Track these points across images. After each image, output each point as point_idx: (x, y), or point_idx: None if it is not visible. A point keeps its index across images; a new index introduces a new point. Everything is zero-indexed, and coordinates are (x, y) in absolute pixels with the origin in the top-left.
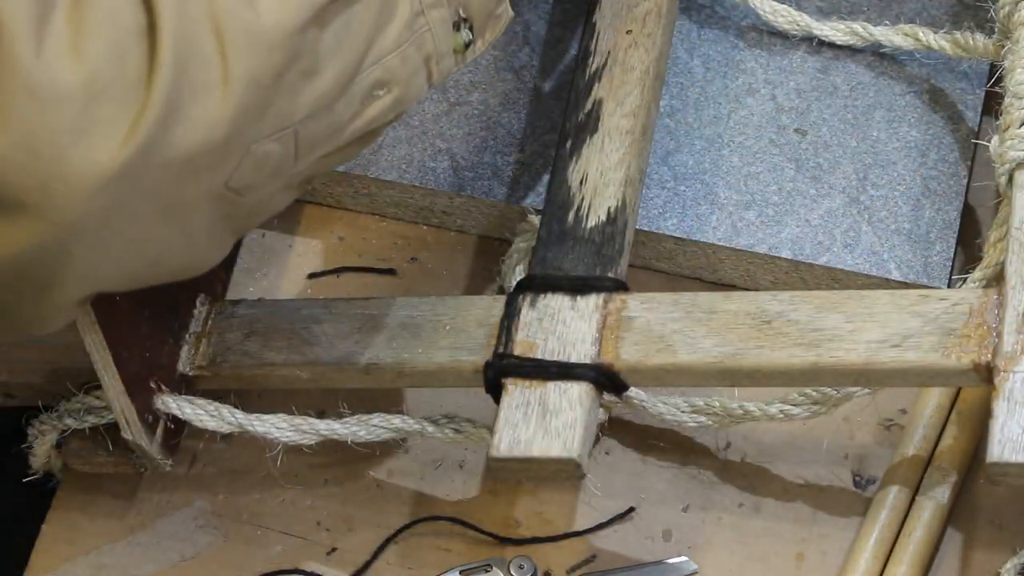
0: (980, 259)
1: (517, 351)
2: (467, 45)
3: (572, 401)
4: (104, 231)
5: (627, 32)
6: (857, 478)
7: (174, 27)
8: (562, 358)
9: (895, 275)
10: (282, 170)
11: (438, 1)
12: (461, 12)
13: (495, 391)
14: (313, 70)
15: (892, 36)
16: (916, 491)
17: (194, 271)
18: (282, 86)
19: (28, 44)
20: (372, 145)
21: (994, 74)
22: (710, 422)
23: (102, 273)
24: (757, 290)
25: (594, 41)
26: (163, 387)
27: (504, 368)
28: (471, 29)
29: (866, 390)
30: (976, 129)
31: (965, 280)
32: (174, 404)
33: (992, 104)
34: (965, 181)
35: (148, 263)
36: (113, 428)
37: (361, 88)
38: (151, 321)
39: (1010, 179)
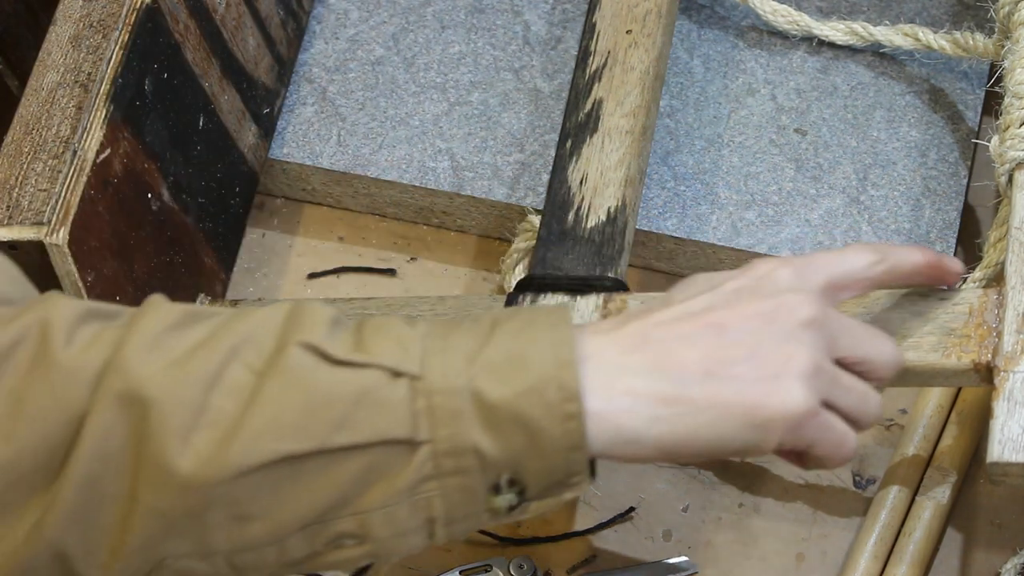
0: (980, 259)
1: None
2: (512, 508)
3: None
4: None
5: (627, 32)
6: (857, 478)
7: (92, 442)
8: None
9: None
10: None
11: (464, 468)
12: (506, 477)
13: None
14: (246, 516)
15: (892, 36)
16: (916, 491)
17: None
18: (199, 522)
19: None
20: (373, 144)
21: (994, 74)
22: None
23: None
24: None
25: (594, 41)
26: None
27: None
28: (522, 493)
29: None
30: (976, 129)
31: (965, 280)
32: None
33: (992, 104)
34: (965, 181)
35: None
36: None
37: (324, 535)
38: None
39: (1010, 179)
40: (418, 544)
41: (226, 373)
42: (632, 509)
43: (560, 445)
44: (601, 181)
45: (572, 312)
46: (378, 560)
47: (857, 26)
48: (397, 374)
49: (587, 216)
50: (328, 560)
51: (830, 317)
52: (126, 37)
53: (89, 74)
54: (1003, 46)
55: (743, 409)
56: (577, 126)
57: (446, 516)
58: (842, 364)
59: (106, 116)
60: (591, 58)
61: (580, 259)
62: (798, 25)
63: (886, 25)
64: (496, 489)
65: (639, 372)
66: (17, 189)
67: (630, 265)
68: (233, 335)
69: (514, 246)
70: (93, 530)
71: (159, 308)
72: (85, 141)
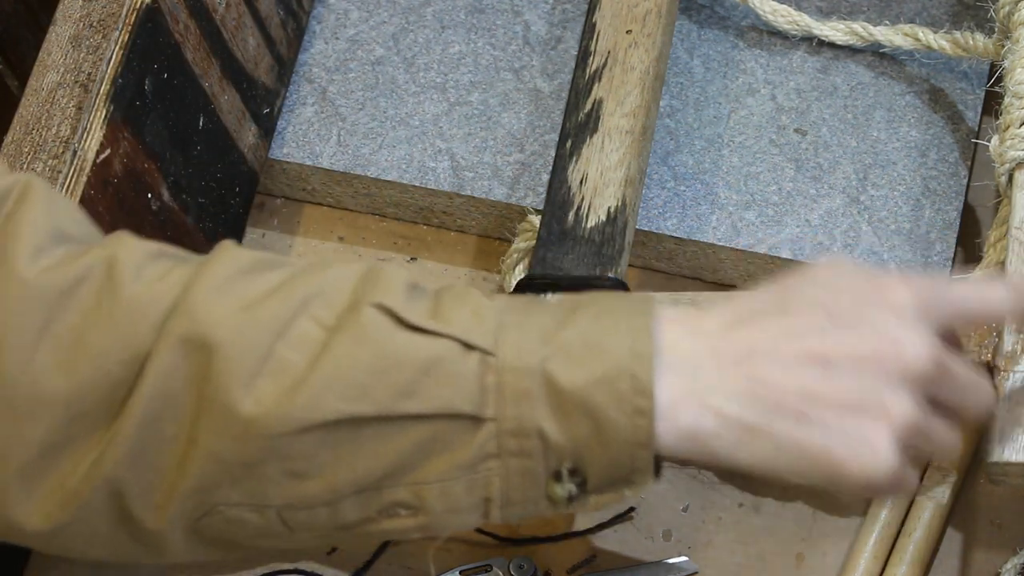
0: (980, 259)
1: None
2: (571, 498)
3: None
4: (61, 543)
5: (627, 32)
6: None
7: (154, 381)
8: None
9: None
10: (272, 535)
11: (527, 450)
12: (568, 465)
13: None
14: (302, 472)
15: (892, 36)
16: (916, 491)
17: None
18: (255, 473)
19: (21, 353)
20: (373, 144)
21: (994, 74)
22: None
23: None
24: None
25: (594, 41)
26: None
27: None
28: (582, 484)
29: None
30: (976, 129)
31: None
32: None
33: (992, 104)
34: (965, 181)
35: (122, 558)
36: None
37: (378, 501)
38: None
39: (1010, 179)
40: (472, 523)
41: (295, 324)
42: (632, 509)
43: (626, 439)
44: (601, 181)
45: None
46: (430, 533)
47: (857, 26)
48: (470, 347)
49: (587, 216)
50: (381, 528)
51: (941, 366)
52: (126, 37)
53: (89, 74)
54: (1003, 46)
55: (826, 461)
56: (577, 126)
57: (503, 497)
58: (935, 401)
59: (106, 116)
60: (591, 58)
61: (580, 259)
62: (798, 25)
63: (886, 25)
64: (557, 476)
65: (734, 395)
66: None
67: (630, 265)
68: (306, 286)
69: (514, 246)
70: (151, 470)
71: (231, 252)
72: (85, 141)
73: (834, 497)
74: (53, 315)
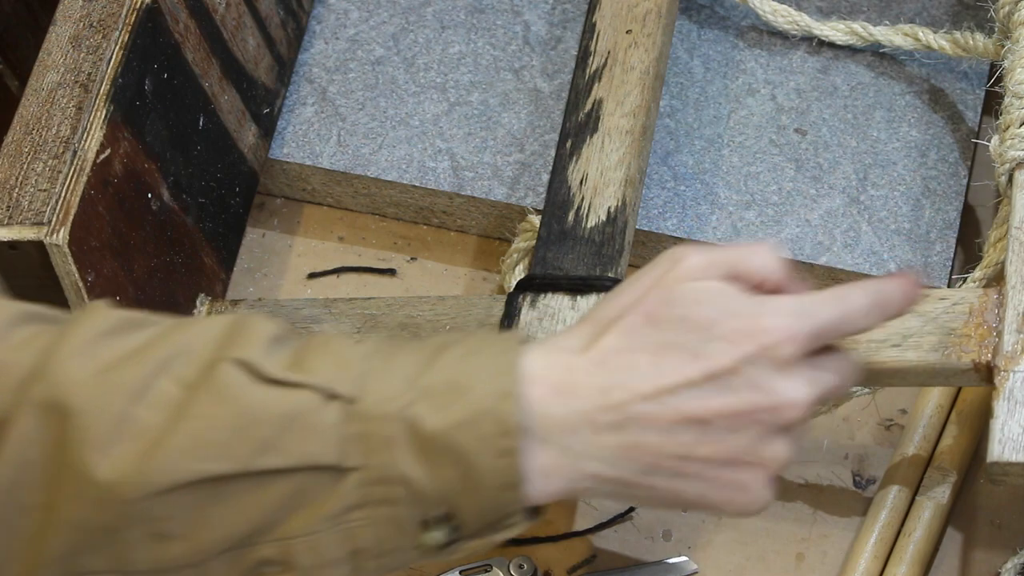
0: (980, 259)
1: None
2: (444, 546)
3: None
4: None
5: (627, 32)
6: (857, 478)
7: (11, 448)
8: None
9: None
10: None
11: (392, 498)
12: (437, 512)
13: None
14: (165, 535)
15: (892, 36)
16: (916, 491)
17: None
18: (117, 538)
19: None
20: (373, 144)
21: (994, 74)
22: None
23: None
24: None
25: (594, 41)
26: None
27: None
28: (456, 530)
29: (866, 390)
30: (976, 129)
31: (965, 280)
32: None
33: (992, 104)
34: (965, 181)
35: None
36: None
37: (246, 560)
38: None
39: (1010, 179)
40: None
41: (154, 385)
42: (632, 509)
43: (493, 482)
44: (601, 181)
45: (572, 310)
46: None
47: (857, 26)
48: (332, 396)
49: (587, 216)
50: None
51: (818, 400)
52: (126, 37)
53: (89, 74)
54: (1003, 46)
55: (703, 506)
56: (577, 126)
57: (373, 548)
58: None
59: (106, 116)
60: (591, 58)
61: (580, 259)
62: (798, 25)
63: (886, 25)
64: (426, 525)
65: (608, 460)
66: (17, 189)
67: (630, 265)
68: (168, 346)
69: (514, 246)
70: (10, 539)
71: (97, 313)
72: (85, 141)
73: (833, 496)
74: None
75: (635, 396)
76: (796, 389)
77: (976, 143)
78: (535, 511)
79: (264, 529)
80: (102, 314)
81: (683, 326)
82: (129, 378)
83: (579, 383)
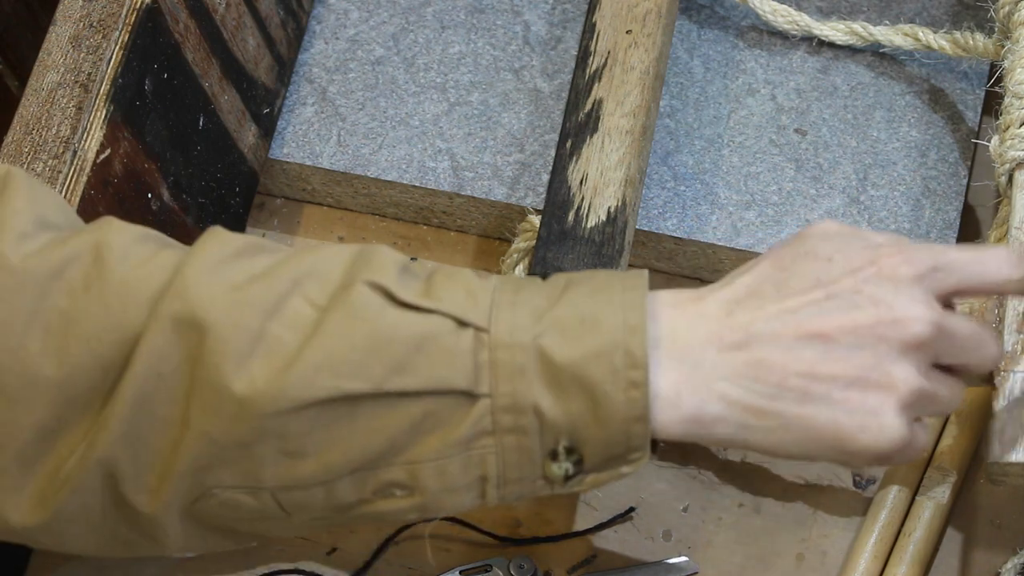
0: None
1: None
2: (568, 477)
3: None
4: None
5: (627, 32)
6: (857, 478)
7: (145, 362)
8: None
9: None
10: (268, 518)
11: (522, 427)
12: (564, 443)
13: None
14: (296, 452)
15: (892, 36)
16: (916, 491)
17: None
18: (249, 454)
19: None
20: (373, 144)
21: (994, 74)
22: None
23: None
24: None
25: (594, 41)
26: None
27: None
28: (579, 463)
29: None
30: (976, 129)
31: None
32: None
33: (992, 104)
34: (965, 181)
35: (120, 550)
36: None
37: (373, 481)
38: None
39: (1010, 179)
40: (468, 503)
41: (288, 303)
42: (632, 509)
43: (622, 413)
44: (601, 181)
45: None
46: (426, 514)
47: (857, 26)
48: (463, 324)
49: (587, 216)
50: (376, 508)
51: (943, 330)
52: (126, 37)
53: (89, 74)
54: (1003, 46)
55: (835, 438)
56: (577, 126)
57: (499, 476)
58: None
59: (106, 116)
60: (591, 58)
61: (580, 259)
62: (798, 25)
63: (886, 25)
64: (554, 455)
65: (737, 379)
66: None
67: (630, 265)
68: (297, 267)
69: (514, 246)
70: (144, 452)
71: (222, 235)
72: (85, 141)
73: (833, 496)
74: (41, 300)
75: (759, 315)
76: (914, 305)
77: (976, 143)
78: (655, 445)
79: (394, 451)
80: (227, 237)
81: (807, 259)
82: (262, 296)
83: (706, 310)
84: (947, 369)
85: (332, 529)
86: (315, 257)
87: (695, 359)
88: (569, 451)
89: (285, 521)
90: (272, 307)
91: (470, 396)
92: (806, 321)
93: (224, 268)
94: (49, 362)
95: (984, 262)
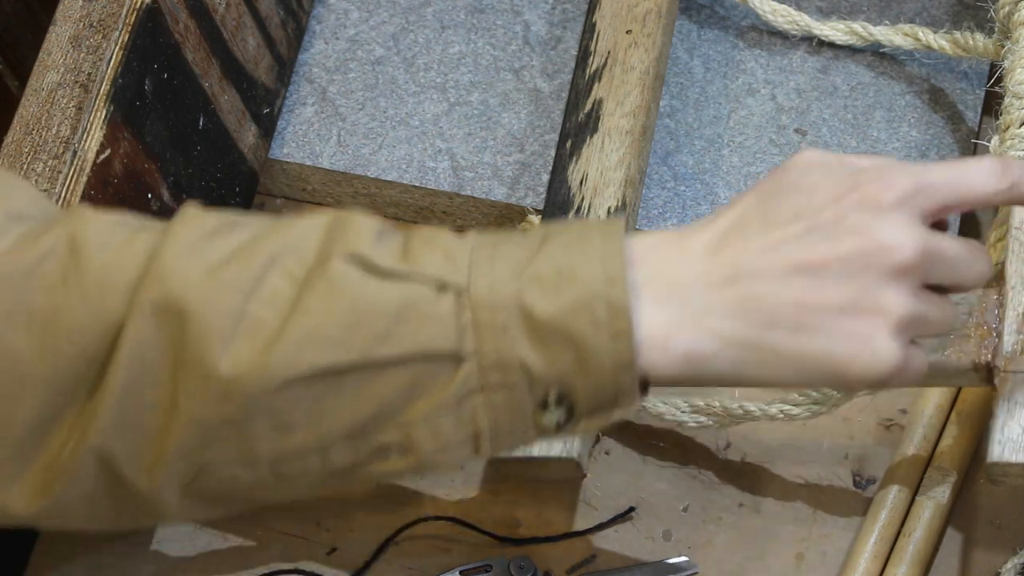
0: None
1: None
2: (560, 425)
3: None
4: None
5: (627, 32)
6: (857, 478)
7: (130, 350)
8: None
9: None
10: (266, 487)
11: (510, 383)
12: (554, 393)
13: None
14: (288, 425)
15: (892, 36)
16: (916, 491)
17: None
18: (241, 431)
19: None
20: (373, 144)
21: (994, 74)
22: (710, 422)
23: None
24: None
25: (594, 41)
26: None
27: None
28: (570, 410)
29: (866, 390)
30: (976, 129)
31: None
32: None
33: (992, 104)
34: None
35: (124, 523)
36: None
37: (368, 445)
38: None
39: None
40: (463, 458)
41: (266, 281)
42: (632, 509)
43: (609, 363)
44: (601, 181)
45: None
46: (423, 473)
47: (857, 26)
48: (443, 286)
49: (587, 216)
50: (373, 471)
51: (929, 252)
52: (126, 37)
53: (89, 74)
54: (1003, 46)
55: (830, 365)
56: (577, 126)
57: (492, 430)
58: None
59: (106, 116)
60: (591, 58)
61: None
62: (798, 25)
63: (886, 25)
64: (544, 405)
65: (728, 314)
66: None
67: None
68: (273, 243)
69: None
70: (136, 436)
71: (196, 215)
72: (85, 141)
73: (833, 496)
74: (19, 297)
75: (745, 250)
76: (897, 230)
77: (976, 143)
78: (644, 388)
79: (385, 416)
80: (200, 216)
81: (790, 191)
82: (240, 276)
83: (691, 249)
84: (939, 289)
85: (333, 521)
86: (290, 230)
87: (683, 298)
88: (559, 401)
89: (283, 489)
90: (251, 286)
91: (456, 358)
92: (793, 253)
93: (200, 248)
94: (35, 358)
95: (967, 177)
